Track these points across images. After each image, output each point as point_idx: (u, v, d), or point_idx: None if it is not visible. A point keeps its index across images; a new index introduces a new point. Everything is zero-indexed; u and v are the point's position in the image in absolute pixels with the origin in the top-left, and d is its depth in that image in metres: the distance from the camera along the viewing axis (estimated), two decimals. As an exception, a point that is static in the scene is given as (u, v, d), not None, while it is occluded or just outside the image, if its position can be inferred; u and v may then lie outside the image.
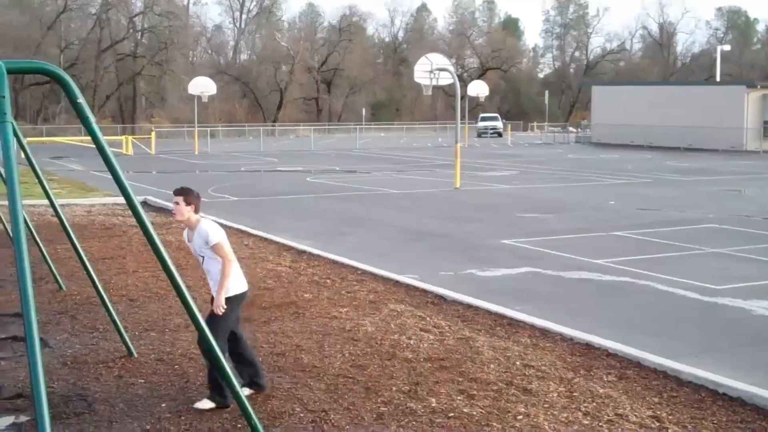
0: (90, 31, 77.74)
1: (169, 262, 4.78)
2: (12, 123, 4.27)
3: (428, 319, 8.89)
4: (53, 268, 10.31)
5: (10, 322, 8.66)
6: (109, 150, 4.54)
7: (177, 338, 8.05)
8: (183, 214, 6.29)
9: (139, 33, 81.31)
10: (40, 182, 8.38)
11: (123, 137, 45.04)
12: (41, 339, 7.93)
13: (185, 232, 6.56)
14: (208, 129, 52.99)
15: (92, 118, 4.47)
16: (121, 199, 18.07)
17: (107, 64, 77.56)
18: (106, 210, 18.20)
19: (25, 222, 6.74)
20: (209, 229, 6.31)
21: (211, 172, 31.14)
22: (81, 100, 4.42)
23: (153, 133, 47.03)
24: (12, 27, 74.36)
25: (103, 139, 4.52)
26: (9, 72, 4.23)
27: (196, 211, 6.37)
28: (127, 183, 4.58)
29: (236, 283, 6.39)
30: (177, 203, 6.29)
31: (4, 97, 4.11)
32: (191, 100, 48.01)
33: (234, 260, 6.35)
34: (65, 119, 68.62)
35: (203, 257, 6.41)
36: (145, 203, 19.01)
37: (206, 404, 6.24)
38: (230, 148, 47.38)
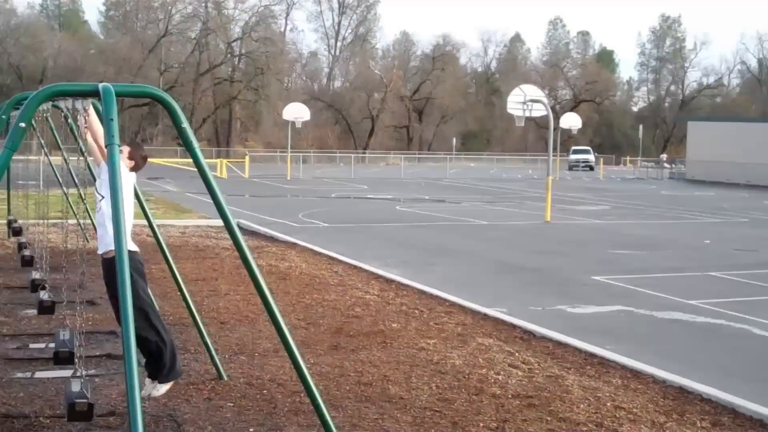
0: (189, 54, 79.87)
1: (264, 285, 4.81)
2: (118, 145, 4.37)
3: (517, 354, 8.76)
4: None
5: (105, 340, 8.85)
6: (210, 174, 4.62)
7: (266, 363, 8.10)
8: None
9: (237, 58, 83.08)
10: (139, 202, 8.55)
11: (218, 161, 45.97)
12: (134, 357, 8.11)
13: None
14: (300, 154, 53.73)
15: (196, 143, 4.56)
16: (215, 222, 18.42)
17: (204, 88, 79.45)
18: (200, 232, 18.53)
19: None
20: None
21: (302, 198, 31.49)
22: (185, 125, 4.51)
23: (247, 157, 47.86)
24: (115, 49, 76.93)
25: (206, 163, 4.59)
26: (118, 95, 4.34)
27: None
28: (227, 207, 4.64)
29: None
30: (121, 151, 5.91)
31: (112, 119, 4.23)
32: (285, 126, 48.84)
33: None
34: (162, 141, 70.48)
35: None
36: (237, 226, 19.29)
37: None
38: (321, 174, 47.91)
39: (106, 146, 4.25)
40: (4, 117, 8.45)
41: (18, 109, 9.06)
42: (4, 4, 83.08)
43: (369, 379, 7.71)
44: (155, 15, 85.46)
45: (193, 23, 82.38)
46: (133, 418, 3.66)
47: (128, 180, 6.35)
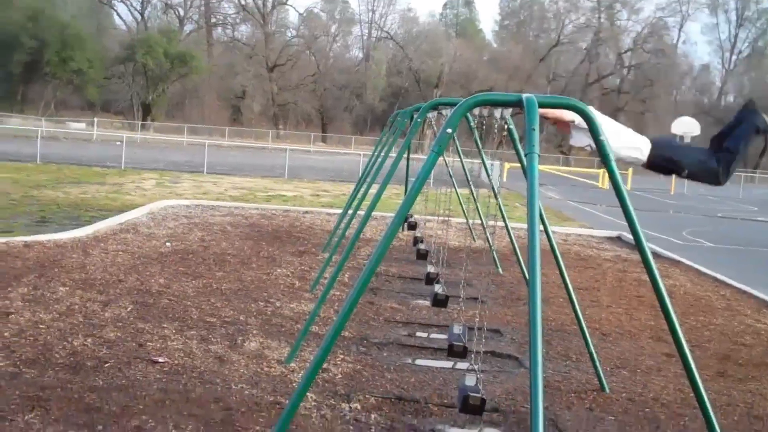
0: (579, 65, 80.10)
1: (669, 305, 4.72)
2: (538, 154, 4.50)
3: None
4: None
5: (489, 337, 9.16)
6: (623, 187, 4.61)
7: (649, 380, 7.93)
8: None
9: (626, 69, 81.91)
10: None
11: (599, 170, 45.60)
12: (517, 358, 8.33)
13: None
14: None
15: (612, 156, 4.58)
16: (597, 231, 18.27)
17: (591, 98, 79.29)
18: (581, 241, 18.53)
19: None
20: None
21: (684, 214, 30.33)
22: (603, 137, 4.55)
23: (630, 169, 47.03)
24: (507, 57, 79.24)
25: (620, 177, 4.60)
26: (540, 106, 4.48)
27: None
28: (636, 222, 4.61)
29: None
30: None
31: (534, 129, 4.37)
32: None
33: None
34: (545, 148, 71.31)
35: None
36: (618, 238, 19.06)
37: None
38: (705, 192, 45.79)
39: (526, 154, 4.39)
40: (419, 120, 9.11)
41: (435, 111, 9.70)
42: (407, 13, 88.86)
43: (759, 413, 7.26)
44: (548, 25, 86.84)
45: (585, 33, 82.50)
46: (535, 418, 3.75)
47: None
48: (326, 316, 9.20)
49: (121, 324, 8.21)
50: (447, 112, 9.84)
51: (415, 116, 11.70)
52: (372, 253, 4.80)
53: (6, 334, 7.54)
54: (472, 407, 5.54)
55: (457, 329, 6.92)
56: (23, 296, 9.01)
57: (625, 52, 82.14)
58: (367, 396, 6.73)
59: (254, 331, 8.38)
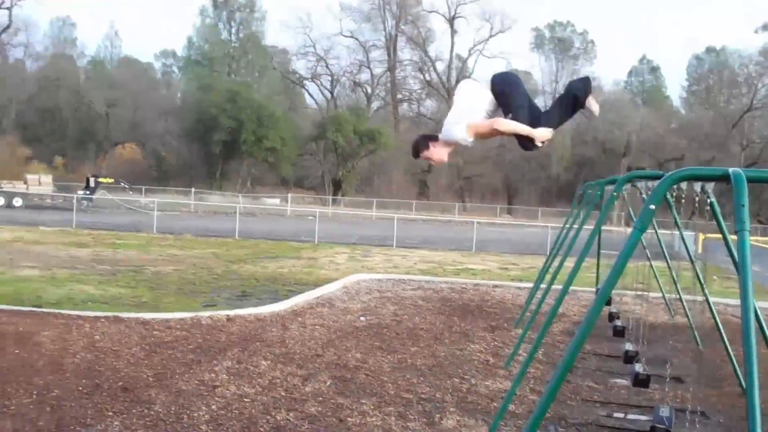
0: (776, 129, 76.69)
1: None
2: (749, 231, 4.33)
3: None
4: (737, 369, 10.19)
5: (693, 420, 8.75)
6: None
7: None
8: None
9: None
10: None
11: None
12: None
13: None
14: None
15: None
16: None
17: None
18: (788, 316, 17.47)
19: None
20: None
21: None
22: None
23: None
24: (697, 124, 76.88)
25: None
26: (749, 180, 4.33)
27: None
28: None
29: None
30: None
31: (743, 205, 4.21)
32: None
33: None
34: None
35: None
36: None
37: None
38: None
39: (735, 232, 4.24)
40: (615, 194, 8.98)
41: (630, 183, 9.53)
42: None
43: None
44: (738, 90, 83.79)
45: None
46: None
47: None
48: (522, 394, 9.08)
49: (321, 399, 8.41)
50: (641, 184, 9.64)
51: (607, 188, 11.53)
52: (577, 331, 4.73)
53: (213, 407, 7.88)
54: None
55: (662, 411, 6.69)
56: (228, 369, 9.40)
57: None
58: (568, 479, 6.56)
59: (451, 409, 8.37)
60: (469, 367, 10.46)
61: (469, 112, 5.94)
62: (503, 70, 6.41)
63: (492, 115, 6.04)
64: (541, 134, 5.84)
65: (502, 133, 5.91)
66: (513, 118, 5.89)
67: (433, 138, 6.08)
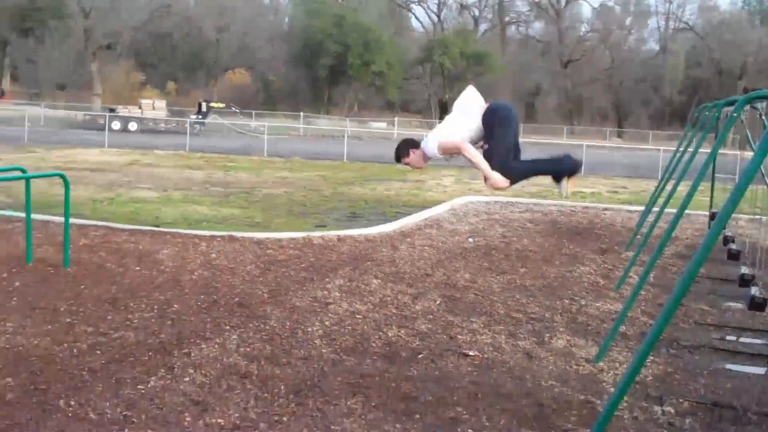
0: None
1: None
2: None
3: None
4: None
5: None
6: None
7: None
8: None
9: None
10: None
11: None
12: None
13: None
14: None
15: None
16: None
17: None
18: None
19: None
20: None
21: None
22: None
23: None
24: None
25: None
26: None
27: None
28: None
29: None
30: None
31: None
32: None
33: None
34: None
35: None
36: None
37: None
38: None
39: None
40: (735, 115, 8.69)
41: (750, 105, 9.22)
42: (707, 2, 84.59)
43: None
44: None
45: None
46: None
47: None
48: (633, 316, 9.01)
49: (431, 317, 8.53)
50: (761, 105, 9.29)
51: (725, 110, 11.14)
52: (694, 255, 4.66)
53: (327, 323, 8.09)
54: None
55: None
56: (340, 287, 9.60)
57: None
58: (680, 400, 6.52)
59: (561, 329, 8.38)
60: (579, 288, 10.42)
61: (448, 133, 6.68)
62: (503, 103, 7.00)
63: (474, 136, 6.68)
64: (495, 181, 6.52)
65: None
66: (488, 149, 6.59)
67: (415, 145, 6.86)
